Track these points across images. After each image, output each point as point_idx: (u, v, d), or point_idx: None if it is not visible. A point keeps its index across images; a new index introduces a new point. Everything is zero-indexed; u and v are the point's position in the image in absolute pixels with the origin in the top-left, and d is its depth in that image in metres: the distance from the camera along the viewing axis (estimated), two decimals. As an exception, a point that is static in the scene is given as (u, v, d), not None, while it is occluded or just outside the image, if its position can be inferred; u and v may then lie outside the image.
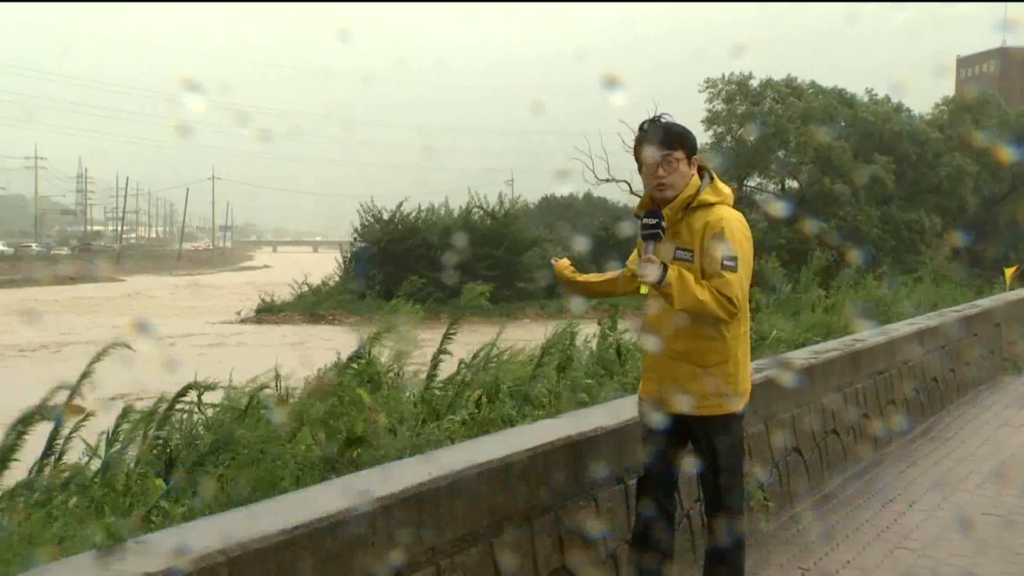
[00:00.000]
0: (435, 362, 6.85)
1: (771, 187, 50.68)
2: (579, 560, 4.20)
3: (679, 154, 3.91)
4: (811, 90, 49.10)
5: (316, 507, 3.12)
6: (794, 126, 45.85)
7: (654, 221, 3.82)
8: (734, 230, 3.87)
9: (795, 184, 49.21)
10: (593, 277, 4.46)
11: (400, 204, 48.91)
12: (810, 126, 45.28)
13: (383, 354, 6.45)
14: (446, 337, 7.00)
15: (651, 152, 3.91)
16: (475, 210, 49.41)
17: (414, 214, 48.95)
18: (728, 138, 48.67)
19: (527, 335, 8.64)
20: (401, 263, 44.13)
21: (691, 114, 48.41)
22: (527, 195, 53.48)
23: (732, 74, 48.68)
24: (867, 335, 9.32)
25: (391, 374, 6.48)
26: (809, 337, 11.34)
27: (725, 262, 3.78)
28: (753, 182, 50.42)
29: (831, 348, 8.13)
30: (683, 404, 3.93)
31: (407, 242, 46.50)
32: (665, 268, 3.75)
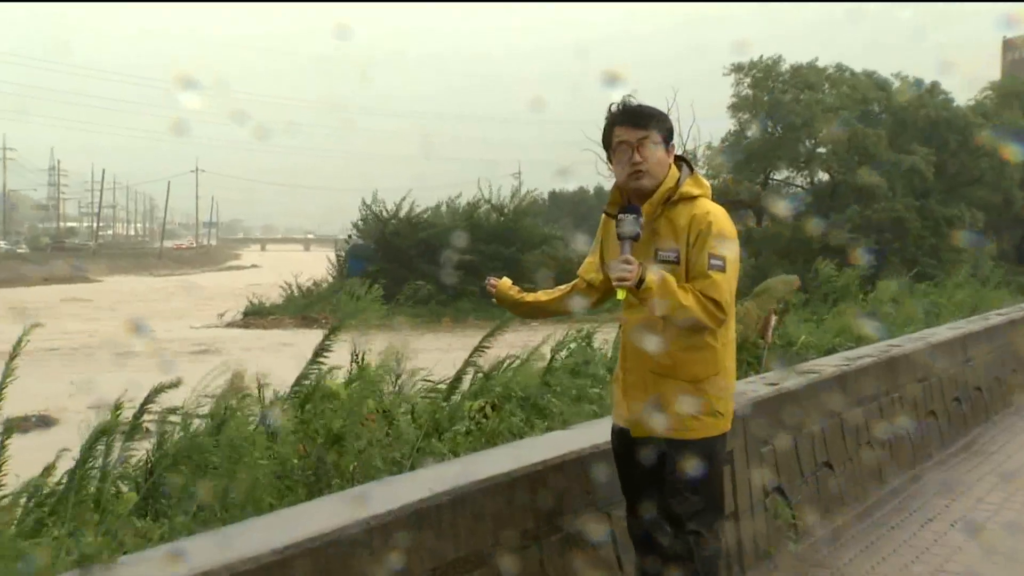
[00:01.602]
0: (457, 375, 6.87)
1: (799, 180, 50.57)
2: (592, 581, 4.20)
3: (656, 137, 3.76)
4: (839, 73, 48.99)
5: (310, 524, 3.13)
6: (824, 114, 45.73)
7: (632, 217, 3.66)
8: (722, 226, 3.74)
9: (825, 176, 49.11)
10: (542, 295, 4.24)
11: (404, 197, 49.01)
12: (842, 112, 45.15)
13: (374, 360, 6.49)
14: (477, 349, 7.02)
15: (625, 134, 3.76)
16: (482, 204, 49.43)
17: (418, 210, 49.02)
18: (753, 126, 48.59)
19: (536, 338, 8.63)
20: (401, 262, 44.23)
21: (691, 109, 48.43)
22: (530, 188, 53.39)
23: (760, 58, 48.66)
24: (903, 340, 9.31)
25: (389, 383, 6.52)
26: (840, 342, 11.34)
27: (712, 262, 3.66)
28: (780, 175, 50.33)
29: (864, 354, 8.13)
30: (670, 425, 3.75)
31: (407, 239, 46.55)
32: (644, 271, 3.59)
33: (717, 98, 49.16)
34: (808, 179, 50.15)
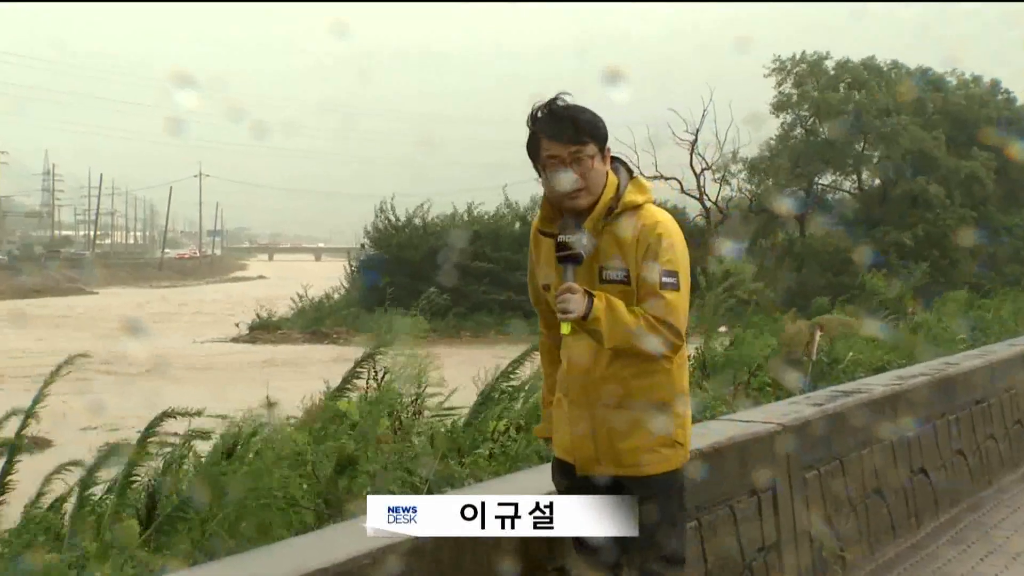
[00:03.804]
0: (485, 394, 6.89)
1: (847, 185, 50.33)
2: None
3: (591, 149, 3.48)
4: (894, 71, 48.78)
5: (321, 556, 3.15)
6: (877, 114, 45.50)
7: (572, 238, 3.41)
8: (672, 236, 3.50)
9: (876, 182, 48.86)
10: (550, 391, 3.90)
11: (422, 204, 49.35)
12: (899, 115, 44.87)
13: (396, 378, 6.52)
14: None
15: (555, 149, 3.47)
16: (505, 211, 49.62)
17: (432, 217, 49.35)
18: (798, 128, 48.46)
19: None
20: (418, 273, 44.32)
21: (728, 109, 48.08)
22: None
23: (805, 53, 48.49)
24: (960, 357, 9.26)
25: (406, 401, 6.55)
26: (891, 359, 11.30)
27: (665, 279, 3.42)
28: (826, 179, 50.12)
29: (918, 373, 8.08)
30: (622, 462, 3.56)
31: (421, 249, 46.69)
32: (591, 298, 3.37)
33: (724, 98, 48.85)
34: (856, 184, 49.90)
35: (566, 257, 3.42)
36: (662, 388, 3.56)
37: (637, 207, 3.54)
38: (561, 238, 3.44)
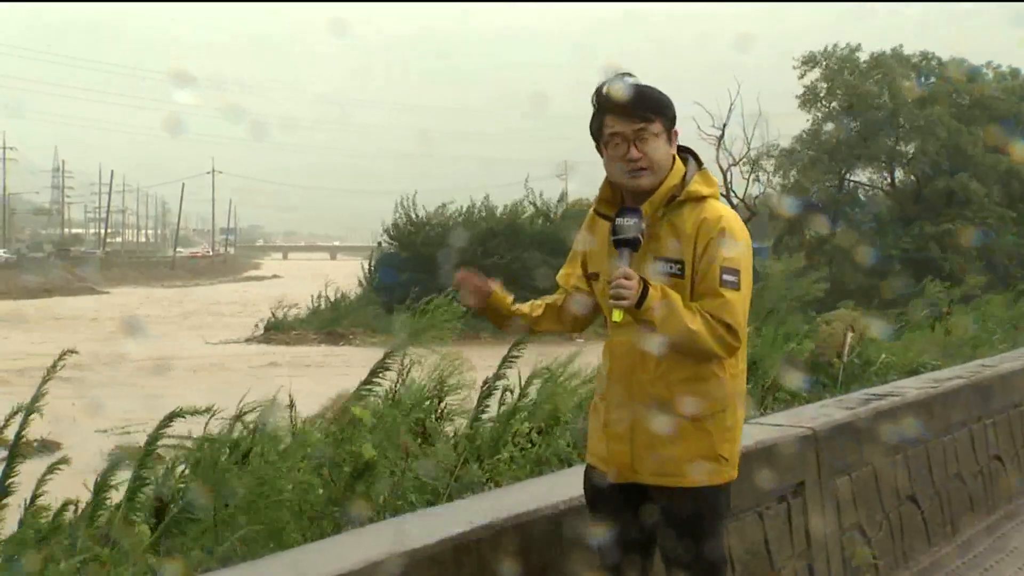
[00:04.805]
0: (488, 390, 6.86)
1: (879, 181, 50.13)
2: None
3: (657, 127, 3.43)
4: (924, 62, 48.59)
5: (336, 561, 3.16)
6: (911, 108, 45.30)
7: (631, 222, 3.36)
8: (736, 233, 3.41)
9: (911, 178, 48.67)
10: (529, 308, 3.81)
11: (443, 204, 49.52)
12: (934, 107, 44.66)
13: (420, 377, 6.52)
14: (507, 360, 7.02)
15: (619, 125, 3.42)
16: (527, 206, 49.66)
17: (451, 213, 49.51)
18: (828, 123, 48.30)
19: (582, 358, 8.62)
20: (434, 271, 44.39)
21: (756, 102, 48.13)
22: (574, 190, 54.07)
23: (836, 45, 48.34)
24: (998, 359, 9.21)
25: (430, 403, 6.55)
26: (925, 361, 11.25)
27: (725, 277, 3.33)
28: (859, 176, 49.96)
29: (953, 375, 8.05)
30: (660, 471, 3.46)
31: (439, 247, 46.75)
32: (646, 286, 3.28)
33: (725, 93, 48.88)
34: (889, 180, 49.71)
35: (623, 241, 3.36)
36: (712, 397, 3.45)
37: (701, 199, 3.47)
38: (619, 221, 3.39)
